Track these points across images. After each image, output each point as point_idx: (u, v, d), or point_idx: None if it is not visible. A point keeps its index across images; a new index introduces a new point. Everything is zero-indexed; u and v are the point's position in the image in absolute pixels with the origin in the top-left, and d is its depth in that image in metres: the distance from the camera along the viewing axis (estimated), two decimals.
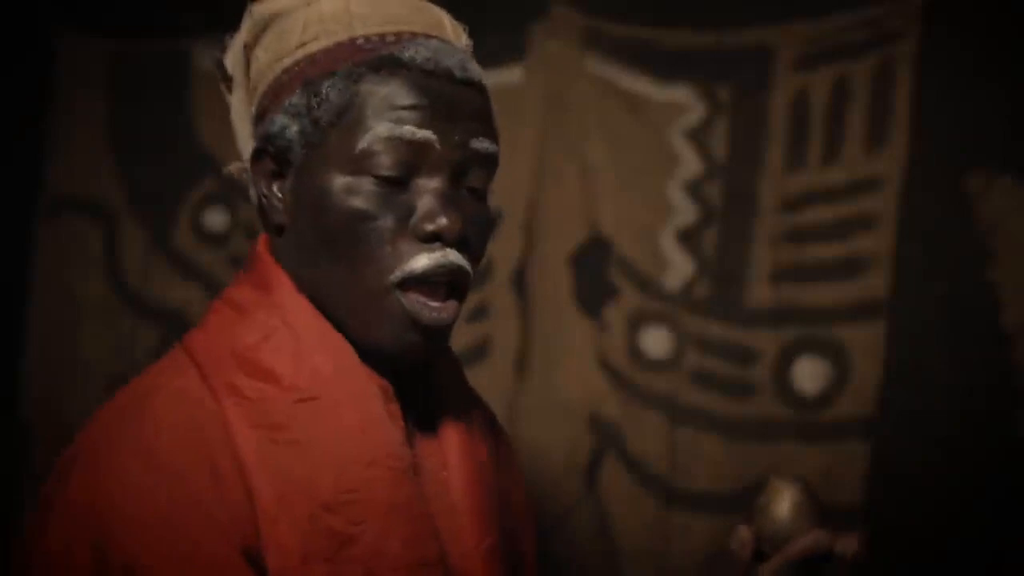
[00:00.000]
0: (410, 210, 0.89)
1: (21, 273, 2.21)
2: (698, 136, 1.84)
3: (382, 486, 0.87)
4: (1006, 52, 1.70)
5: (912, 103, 1.74)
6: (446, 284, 0.90)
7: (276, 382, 0.88)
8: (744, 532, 0.77)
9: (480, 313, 1.89)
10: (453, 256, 0.89)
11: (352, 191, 0.89)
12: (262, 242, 0.96)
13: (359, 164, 0.89)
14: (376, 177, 0.89)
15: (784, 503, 0.77)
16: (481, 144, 0.92)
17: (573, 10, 1.90)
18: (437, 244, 0.89)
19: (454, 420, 0.97)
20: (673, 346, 1.84)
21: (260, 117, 0.95)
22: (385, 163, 0.88)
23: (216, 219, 2.11)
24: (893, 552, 1.69)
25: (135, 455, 0.83)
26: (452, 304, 0.91)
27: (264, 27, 0.96)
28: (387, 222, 0.89)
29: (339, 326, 0.91)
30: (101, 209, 2.18)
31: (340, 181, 0.89)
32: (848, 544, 0.77)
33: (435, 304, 0.90)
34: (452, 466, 0.95)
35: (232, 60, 0.99)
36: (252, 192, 0.97)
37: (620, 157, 1.87)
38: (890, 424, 1.73)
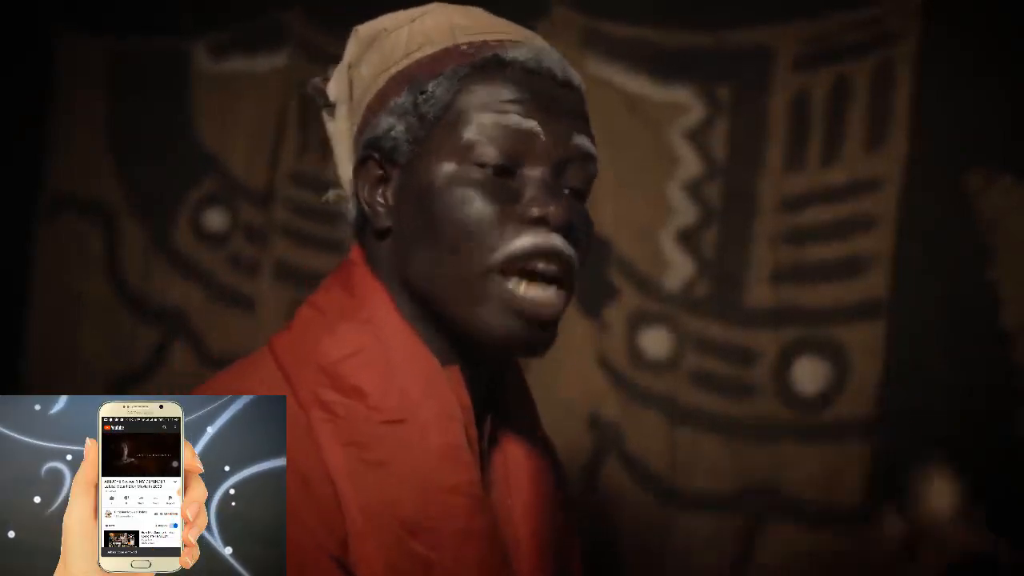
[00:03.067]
0: (516, 197, 0.90)
1: (21, 273, 2.21)
2: (698, 136, 1.84)
3: (461, 513, 0.88)
4: (1006, 52, 1.70)
5: (912, 103, 1.74)
6: (550, 274, 0.90)
7: (363, 400, 0.89)
8: None
9: None
10: (557, 240, 0.90)
11: (459, 179, 0.90)
12: (356, 252, 0.97)
13: (465, 154, 0.90)
14: (482, 166, 0.90)
15: None
16: (582, 141, 0.94)
17: (573, 10, 1.90)
18: (543, 228, 0.89)
19: (523, 447, 0.99)
20: (673, 346, 1.85)
21: (363, 128, 0.97)
22: (490, 152, 0.90)
23: (215, 219, 2.11)
24: (892, 552, 1.69)
25: None
26: (555, 291, 0.91)
27: (368, 46, 0.98)
28: (493, 208, 0.89)
29: (444, 317, 0.92)
30: (101, 209, 2.18)
31: (447, 170, 0.90)
32: None
33: (535, 291, 0.90)
34: (516, 493, 0.96)
35: (336, 85, 1.00)
36: (351, 207, 0.98)
37: (620, 157, 1.87)
38: (890, 424, 1.73)
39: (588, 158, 0.95)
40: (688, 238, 1.84)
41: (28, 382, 2.20)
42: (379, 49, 0.97)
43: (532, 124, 0.90)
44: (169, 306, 2.12)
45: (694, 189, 1.84)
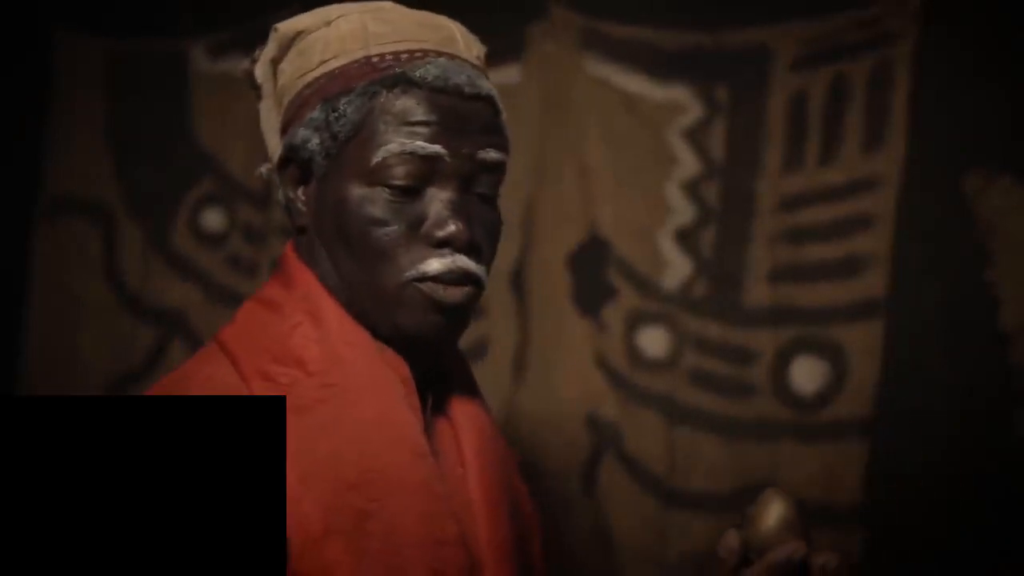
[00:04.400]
0: (422, 218, 0.96)
1: (19, 274, 2.21)
2: (696, 136, 1.84)
3: (401, 467, 0.92)
4: (1005, 52, 1.70)
5: (910, 103, 1.74)
6: (458, 285, 0.97)
7: (303, 368, 0.94)
8: (732, 538, 0.82)
9: (478, 313, 1.90)
10: (462, 261, 0.96)
11: (368, 201, 0.96)
12: (290, 245, 1.04)
13: (374, 176, 0.96)
14: (390, 188, 0.96)
15: (772, 514, 0.81)
16: (488, 155, 0.99)
17: (571, 10, 1.90)
18: (447, 250, 0.96)
19: (470, 421, 1.04)
20: (671, 346, 1.85)
21: (285, 128, 1.03)
22: (398, 175, 0.96)
23: (214, 220, 2.11)
24: (892, 552, 1.70)
25: None
26: (467, 288, 0.98)
27: (289, 44, 1.03)
28: (400, 228, 0.96)
29: (362, 316, 0.98)
30: (100, 209, 2.18)
31: (357, 192, 0.96)
32: (827, 560, 0.81)
33: (452, 288, 0.97)
34: (468, 463, 1.01)
35: (261, 73, 1.06)
36: (280, 194, 1.04)
37: (618, 157, 1.87)
38: (888, 424, 1.73)
39: (496, 168, 1.00)
40: (686, 238, 1.84)
41: (27, 382, 2.20)
42: (298, 50, 1.02)
43: (436, 148, 0.96)
44: (168, 306, 2.12)
45: (692, 189, 1.84)
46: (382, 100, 0.96)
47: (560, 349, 1.89)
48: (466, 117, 0.98)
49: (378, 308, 0.97)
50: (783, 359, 1.78)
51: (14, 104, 2.19)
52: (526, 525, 1.06)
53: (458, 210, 0.96)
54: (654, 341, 1.85)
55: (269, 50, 1.04)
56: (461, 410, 1.04)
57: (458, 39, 1.04)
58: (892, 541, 1.71)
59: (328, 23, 1.01)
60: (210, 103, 2.12)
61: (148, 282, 2.14)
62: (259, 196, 2.06)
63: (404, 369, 0.98)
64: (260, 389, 0.93)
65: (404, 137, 0.95)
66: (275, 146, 1.06)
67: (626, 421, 1.85)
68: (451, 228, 0.95)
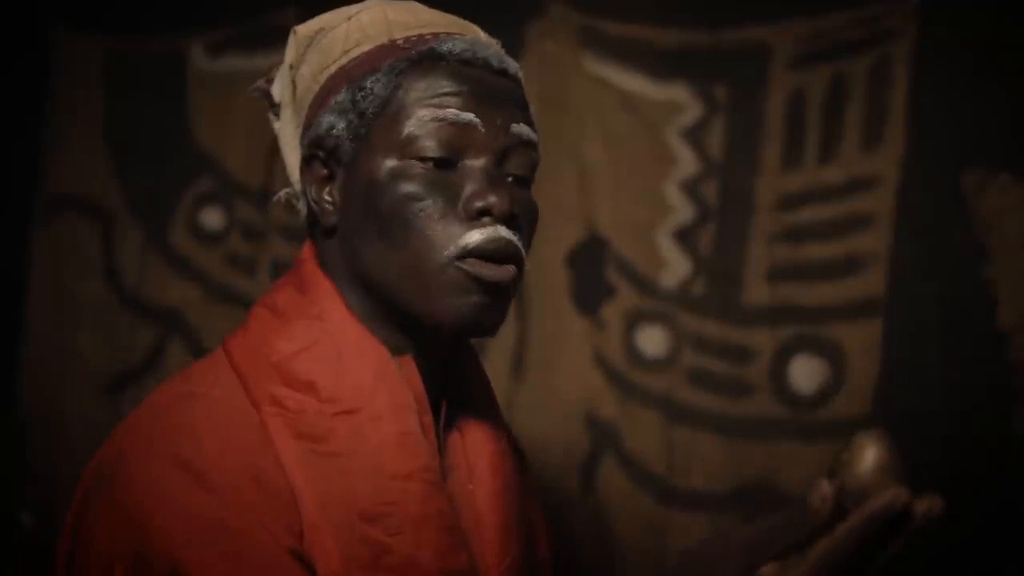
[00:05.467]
0: (458, 190, 0.92)
1: (18, 272, 2.21)
2: (695, 135, 1.84)
3: (416, 499, 0.90)
4: (1004, 51, 1.70)
5: (909, 102, 1.74)
6: (500, 259, 0.92)
7: (315, 394, 0.90)
8: (825, 486, 0.74)
9: None
10: (504, 231, 0.91)
11: (400, 175, 0.91)
12: (307, 249, 0.99)
13: (405, 149, 0.92)
14: (422, 160, 0.91)
15: (868, 458, 0.73)
16: (522, 129, 0.95)
17: (570, 9, 1.90)
18: (487, 220, 0.91)
19: (484, 435, 1.00)
20: (670, 345, 1.84)
21: (307, 127, 0.98)
22: (430, 146, 0.91)
23: (212, 218, 2.11)
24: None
25: (176, 466, 0.85)
26: (510, 267, 0.93)
27: (308, 45, 1.00)
28: (436, 202, 0.91)
29: (401, 307, 0.93)
30: (98, 208, 2.17)
31: (388, 166, 0.92)
32: (931, 503, 0.74)
33: (493, 266, 0.91)
34: (479, 479, 0.98)
35: (279, 86, 1.03)
36: (302, 206, 1.00)
37: (617, 156, 1.87)
38: (887, 423, 1.72)
39: (529, 145, 0.96)
40: (685, 237, 1.84)
41: (26, 381, 2.20)
42: (318, 48, 0.99)
43: (470, 116, 0.92)
44: (167, 305, 2.12)
45: (691, 188, 1.84)
46: (410, 76, 0.93)
47: (559, 348, 1.89)
48: (496, 90, 0.95)
49: (415, 295, 0.91)
50: (782, 358, 1.78)
51: (13, 103, 2.19)
52: (535, 534, 1.05)
53: (496, 181, 0.92)
54: (653, 340, 1.85)
55: (287, 56, 1.02)
56: (475, 425, 1.01)
57: (479, 32, 1.03)
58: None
59: (349, 18, 0.99)
60: (209, 102, 2.12)
61: (147, 281, 2.14)
62: (258, 195, 2.06)
63: (419, 386, 0.94)
64: (271, 415, 0.89)
65: (435, 107, 0.91)
66: (294, 163, 1.02)
67: (625, 420, 1.85)
68: (491, 199, 0.90)
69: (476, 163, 0.92)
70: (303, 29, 1.01)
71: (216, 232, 2.10)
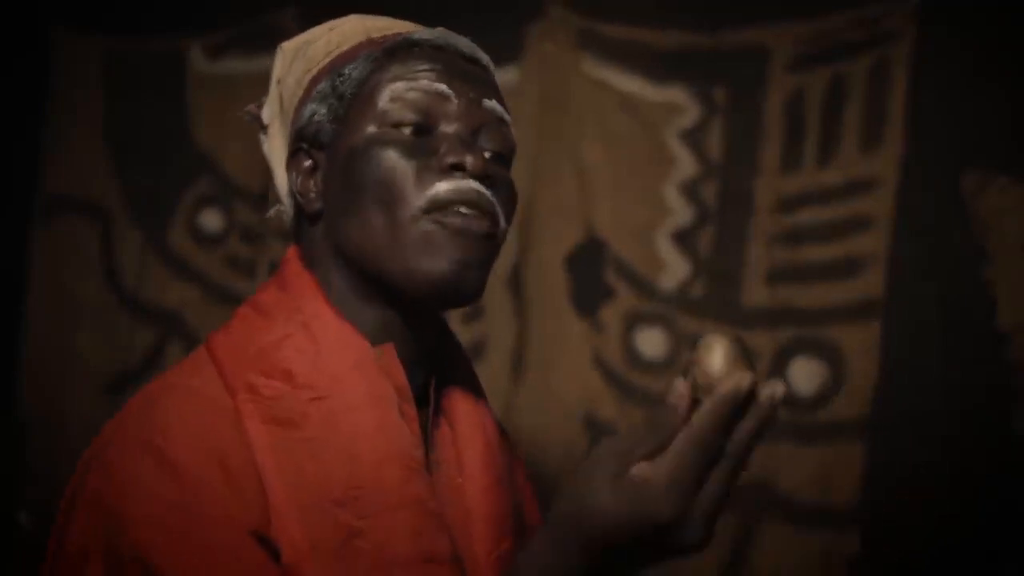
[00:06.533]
0: (434, 151, 0.93)
1: (18, 273, 2.21)
2: (694, 137, 1.84)
3: (392, 482, 0.89)
4: (1002, 52, 1.70)
5: (908, 103, 1.74)
6: (473, 215, 0.92)
7: (291, 381, 0.91)
8: (680, 385, 0.78)
9: (476, 313, 1.90)
10: (475, 184, 0.92)
11: (378, 142, 0.94)
12: (291, 251, 1.01)
13: (383, 118, 0.94)
14: (398, 127, 0.94)
15: (716, 353, 0.77)
16: (494, 105, 0.97)
17: (569, 11, 1.90)
18: (459, 174, 0.92)
19: (473, 429, 1.00)
20: (669, 346, 1.85)
21: (293, 125, 1.01)
22: (406, 115, 0.94)
23: (211, 220, 2.11)
24: (890, 552, 1.69)
25: (146, 453, 0.85)
26: (483, 220, 0.92)
27: (293, 59, 1.03)
28: (412, 164, 0.93)
29: (383, 278, 0.93)
30: (98, 209, 2.18)
31: (366, 135, 0.94)
32: (774, 389, 0.77)
33: (463, 214, 0.92)
34: (468, 472, 0.97)
35: (268, 105, 1.05)
36: (288, 210, 1.01)
37: (616, 157, 1.87)
38: (886, 424, 1.73)
39: (502, 122, 0.98)
40: (684, 238, 1.84)
41: (25, 381, 2.20)
42: (303, 58, 1.02)
43: (443, 87, 0.95)
44: (165, 306, 2.12)
45: (690, 189, 1.84)
46: (385, 61, 0.96)
47: (558, 349, 1.89)
48: (468, 71, 0.97)
49: (393, 260, 0.92)
50: (781, 359, 1.78)
51: (13, 103, 2.19)
52: (528, 529, 1.05)
53: (470, 144, 0.94)
54: (652, 341, 1.85)
55: (275, 72, 1.04)
56: (464, 418, 1.00)
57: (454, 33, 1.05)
58: (890, 541, 1.71)
59: (331, 29, 1.02)
60: (208, 104, 2.12)
61: (146, 282, 2.14)
62: (256, 196, 2.06)
63: (400, 376, 0.94)
64: (245, 401, 0.89)
65: (409, 79, 0.95)
66: (283, 177, 1.02)
67: (624, 421, 1.85)
68: (466, 156, 0.91)
69: (450, 129, 0.95)
70: (289, 45, 1.04)
71: (215, 234, 2.11)
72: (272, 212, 1.07)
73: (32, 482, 2.15)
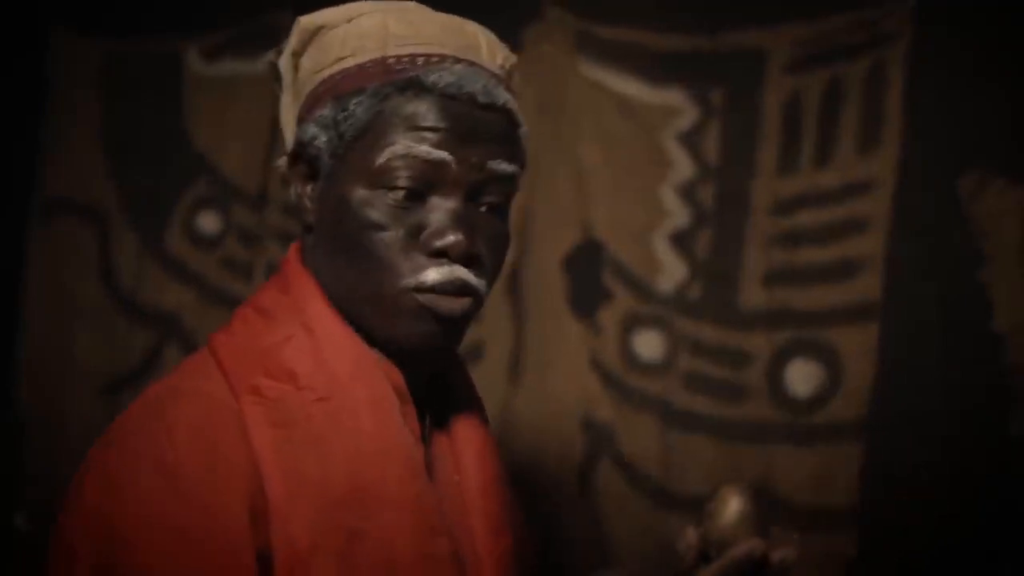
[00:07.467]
0: (422, 226, 0.94)
1: (15, 275, 2.21)
2: (691, 139, 1.84)
3: (393, 482, 0.91)
4: (1000, 54, 1.70)
5: (905, 105, 1.73)
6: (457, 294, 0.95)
7: (294, 382, 0.92)
8: (691, 534, 0.80)
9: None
10: (460, 272, 0.94)
11: (369, 204, 0.94)
12: (294, 248, 1.03)
13: (377, 178, 0.94)
14: (392, 190, 0.94)
15: (730, 510, 0.80)
16: (499, 166, 0.97)
17: (567, 12, 1.90)
18: (444, 260, 0.94)
19: (470, 429, 1.03)
20: (666, 349, 1.84)
21: (299, 122, 1.01)
22: (401, 177, 0.94)
23: (209, 222, 2.11)
24: (889, 553, 1.70)
25: (155, 471, 0.86)
26: (466, 300, 0.96)
27: (310, 38, 1.02)
28: (399, 235, 0.94)
29: (361, 322, 0.96)
30: (95, 211, 2.18)
31: (359, 194, 0.94)
32: (786, 554, 0.80)
33: (449, 300, 0.95)
34: (466, 472, 1.00)
35: (284, 64, 1.04)
36: (292, 190, 1.03)
37: (613, 159, 1.87)
38: (884, 426, 1.73)
39: (505, 180, 0.98)
40: (681, 240, 1.84)
41: (23, 384, 2.20)
42: (318, 45, 1.01)
43: (442, 155, 0.94)
44: (163, 308, 2.12)
45: (687, 191, 1.84)
46: (392, 103, 0.94)
47: (555, 352, 1.89)
48: (478, 126, 0.96)
49: (375, 315, 0.95)
50: (778, 362, 1.78)
51: (10, 104, 2.19)
52: (521, 536, 1.06)
53: (460, 221, 0.94)
54: (649, 344, 1.85)
55: (291, 42, 1.03)
56: (461, 423, 1.02)
57: (482, 46, 1.02)
58: (888, 543, 1.71)
59: (349, 20, 1.00)
60: (205, 105, 2.12)
61: (143, 284, 2.14)
62: (254, 198, 2.06)
63: (399, 380, 0.96)
64: (249, 404, 0.90)
65: (411, 140, 0.93)
66: (291, 137, 1.04)
67: (621, 424, 1.85)
68: (450, 238, 0.93)
69: (444, 200, 0.95)
70: (305, 21, 1.02)
71: (212, 236, 2.11)
72: (282, 163, 1.06)
73: (30, 483, 2.15)
